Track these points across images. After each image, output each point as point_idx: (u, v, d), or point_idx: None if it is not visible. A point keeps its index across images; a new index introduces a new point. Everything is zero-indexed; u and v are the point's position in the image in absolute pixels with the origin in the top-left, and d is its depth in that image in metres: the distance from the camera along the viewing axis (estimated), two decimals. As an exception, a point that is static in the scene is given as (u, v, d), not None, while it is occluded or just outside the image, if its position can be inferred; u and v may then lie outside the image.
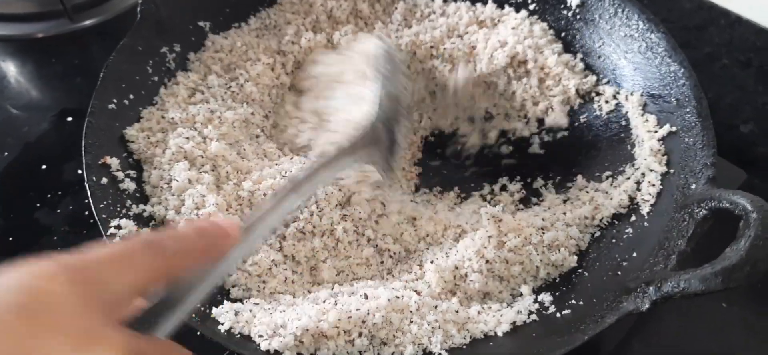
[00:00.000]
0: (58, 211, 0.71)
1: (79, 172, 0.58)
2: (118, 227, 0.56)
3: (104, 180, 0.58)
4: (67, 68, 0.87)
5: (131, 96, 0.66)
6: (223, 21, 0.77)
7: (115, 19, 0.89)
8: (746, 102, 0.84)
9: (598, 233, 0.63)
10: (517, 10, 0.79)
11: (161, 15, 0.71)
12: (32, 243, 0.69)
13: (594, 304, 0.54)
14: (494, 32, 0.77)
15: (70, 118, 0.80)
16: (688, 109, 0.63)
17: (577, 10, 0.76)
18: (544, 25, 0.77)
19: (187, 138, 0.65)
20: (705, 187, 0.56)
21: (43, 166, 0.75)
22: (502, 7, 0.80)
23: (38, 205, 0.71)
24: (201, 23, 0.75)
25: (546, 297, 0.58)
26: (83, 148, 0.59)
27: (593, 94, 0.73)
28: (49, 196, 0.72)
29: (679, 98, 0.65)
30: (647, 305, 0.49)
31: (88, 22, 0.88)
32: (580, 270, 0.60)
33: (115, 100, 0.64)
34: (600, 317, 0.52)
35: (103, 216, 0.56)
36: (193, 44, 0.74)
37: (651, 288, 0.50)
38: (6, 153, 0.77)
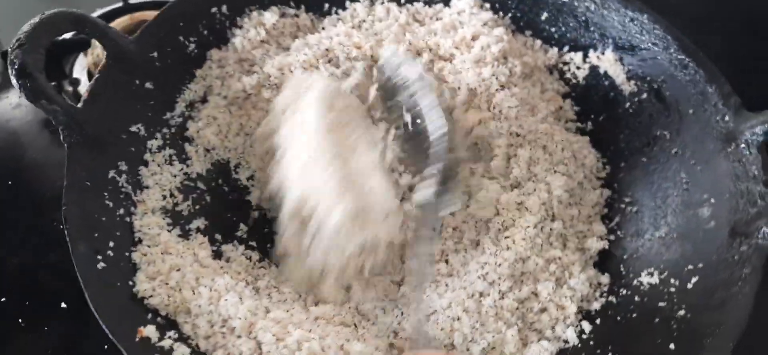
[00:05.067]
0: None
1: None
2: None
3: None
4: None
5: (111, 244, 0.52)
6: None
7: None
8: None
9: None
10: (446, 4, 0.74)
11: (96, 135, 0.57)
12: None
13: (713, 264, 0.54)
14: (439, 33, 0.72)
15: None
16: (672, 50, 0.64)
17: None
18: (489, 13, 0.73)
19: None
20: (742, 114, 0.57)
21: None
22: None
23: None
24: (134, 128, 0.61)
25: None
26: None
27: (560, 66, 0.72)
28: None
29: (656, 42, 0.65)
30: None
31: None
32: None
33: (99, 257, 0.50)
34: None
35: None
36: (133, 154, 0.61)
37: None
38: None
